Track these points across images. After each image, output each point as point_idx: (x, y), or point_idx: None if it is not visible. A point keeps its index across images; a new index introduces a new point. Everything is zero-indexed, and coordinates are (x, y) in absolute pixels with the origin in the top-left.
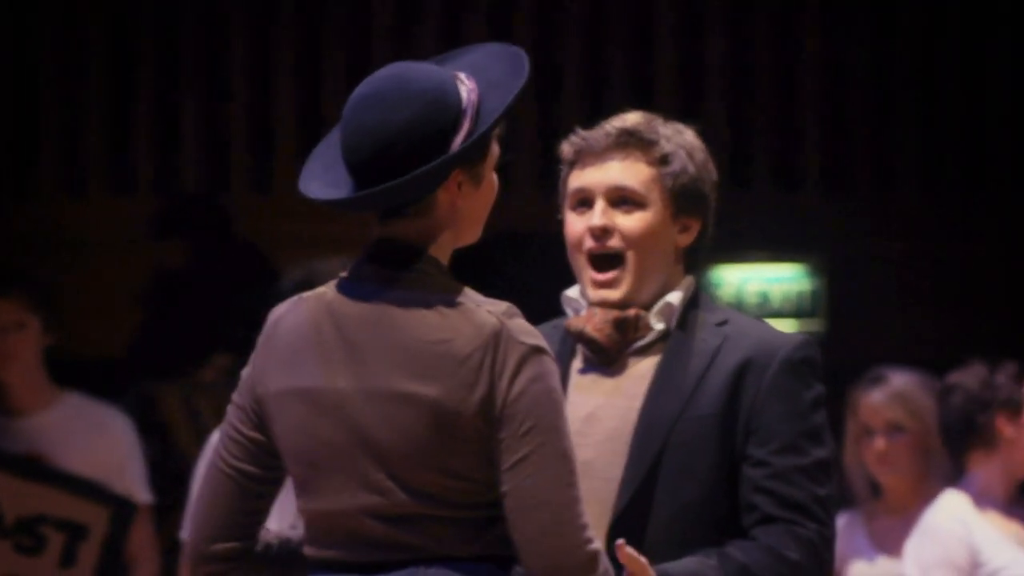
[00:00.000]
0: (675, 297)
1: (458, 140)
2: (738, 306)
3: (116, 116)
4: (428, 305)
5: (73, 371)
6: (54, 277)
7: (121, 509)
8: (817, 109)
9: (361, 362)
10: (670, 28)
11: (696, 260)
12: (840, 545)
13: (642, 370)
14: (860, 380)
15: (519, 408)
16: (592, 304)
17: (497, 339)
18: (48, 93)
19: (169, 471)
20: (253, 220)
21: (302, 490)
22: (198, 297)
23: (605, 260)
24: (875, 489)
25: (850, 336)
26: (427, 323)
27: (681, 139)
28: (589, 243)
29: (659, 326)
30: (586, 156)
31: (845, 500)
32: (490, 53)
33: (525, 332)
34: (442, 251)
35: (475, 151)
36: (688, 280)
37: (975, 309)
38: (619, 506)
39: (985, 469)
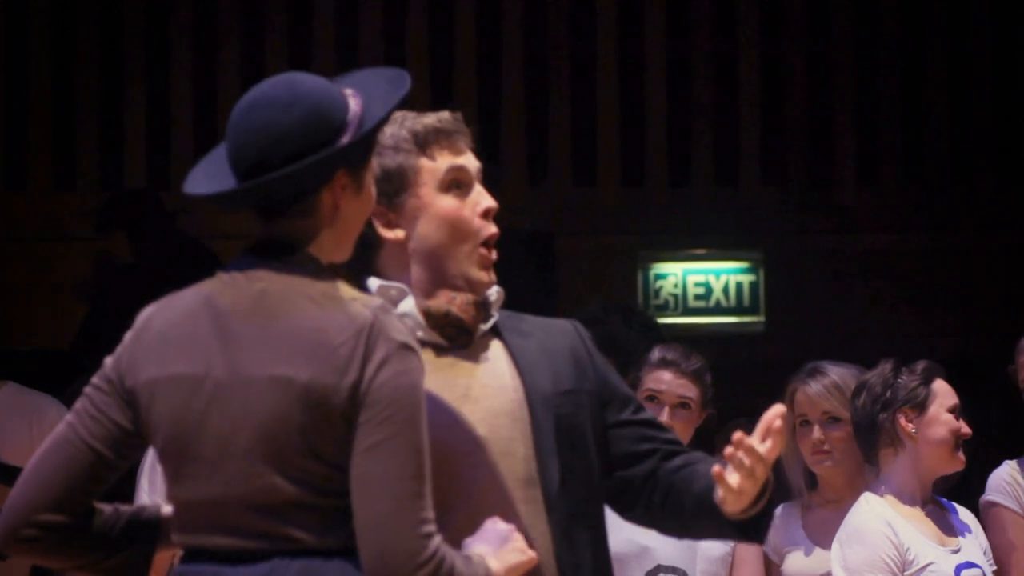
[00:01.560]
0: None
1: (343, 142)
2: (681, 300)
3: (60, 112)
4: (305, 296)
5: (18, 363)
6: None
7: None
8: (755, 104)
9: (238, 350)
10: (613, 23)
11: (635, 259)
12: (777, 537)
13: (494, 352)
14: (798, 372)
15: (380, 396)
16: (483, 285)
17: (369, 331)
18: None
19: None
20: (195, 215)
21: (174, 478)
22: (141, 290)
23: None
24: (811, 481)
25: (790, 330)
26: (303, 312)
27: None
28: (490, 228)
29: (496, 313)
30: (449, 138)
31: (781, 493)
32: (374, 73)
33: (396, 329)
34: (323, 252)
35: (358, 150)
36: None
37: (914, 302)
38: (551, 483)
39: (897, 468)
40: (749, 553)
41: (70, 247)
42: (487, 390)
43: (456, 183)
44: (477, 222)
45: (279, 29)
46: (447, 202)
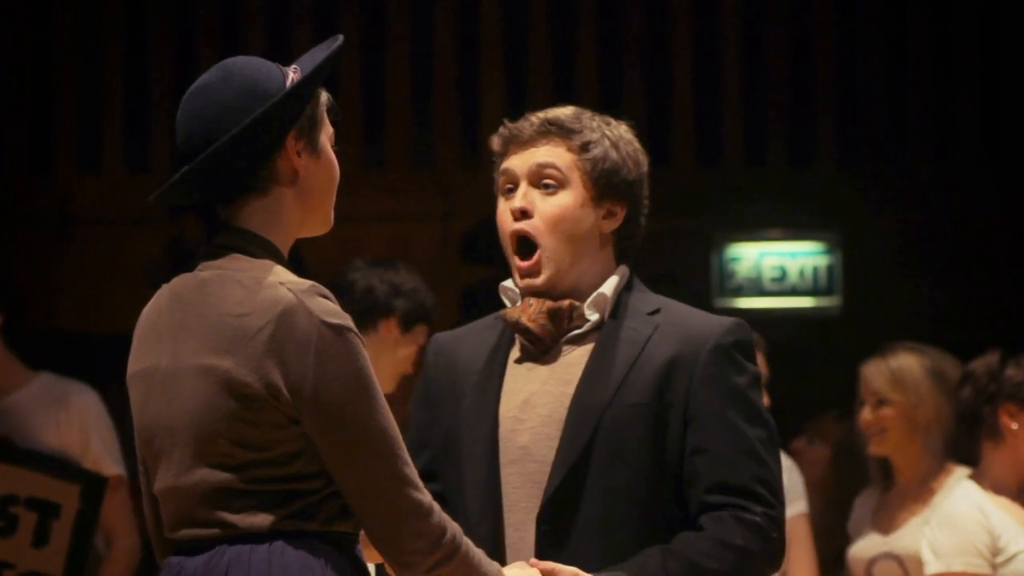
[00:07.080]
0: (608, 287)
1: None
2: (756, 283)
3: (132, 94)
4: (237, 282)
5: (90, 346)
6: (68, 253)
7: (90, 484)
8: (830, 85)
9: (180, 340)
10: (687, 4)
11: (711, 241)
12: (853, 522)
13: (576, 358)
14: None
15: (326, 397)
16: (520, 291)
17: (289, 315)
18: (65, 71)
19: None
20: None
21: (152, 474)
22: None
23: (526, 246)
24: (886, 469)
25: (866, 311)
26: (232, 298)
27: (606, 131)
28: (511, 225)
29: (593, 316)
30: (513, 144)
31: (864, 477)
32: (320, 46)
33: (325, 310)
34: (284, 232)
35: (295, 103)
36: (622, 269)
37: (993, 282)
38: (550, 488)
39: (996, 460)
40: (799, 528)
41: (143, 231)
42: (548, 397)
43: (508, 187)
44: (508, 223)
45: (348, 17)
46: (499, 205)
